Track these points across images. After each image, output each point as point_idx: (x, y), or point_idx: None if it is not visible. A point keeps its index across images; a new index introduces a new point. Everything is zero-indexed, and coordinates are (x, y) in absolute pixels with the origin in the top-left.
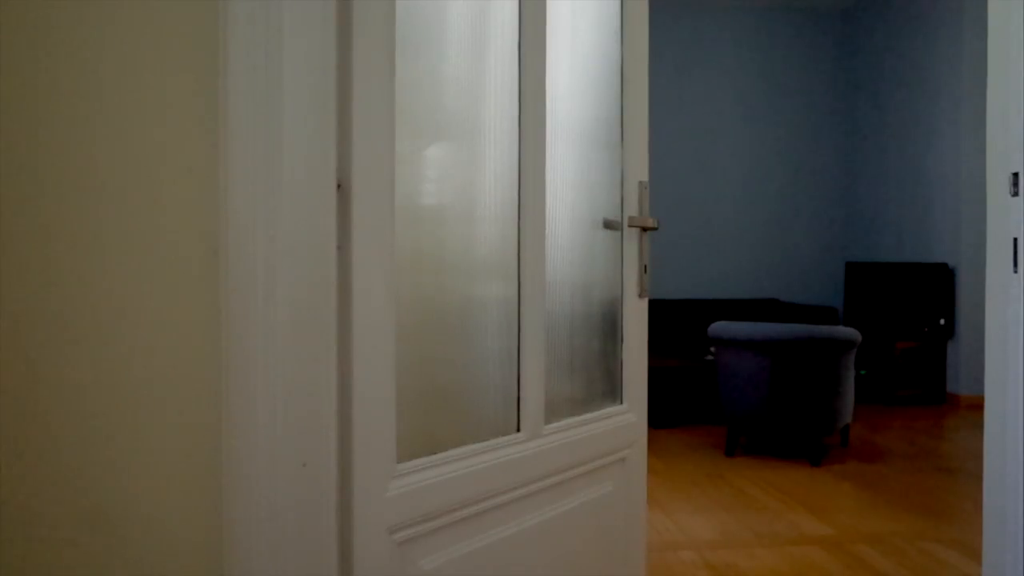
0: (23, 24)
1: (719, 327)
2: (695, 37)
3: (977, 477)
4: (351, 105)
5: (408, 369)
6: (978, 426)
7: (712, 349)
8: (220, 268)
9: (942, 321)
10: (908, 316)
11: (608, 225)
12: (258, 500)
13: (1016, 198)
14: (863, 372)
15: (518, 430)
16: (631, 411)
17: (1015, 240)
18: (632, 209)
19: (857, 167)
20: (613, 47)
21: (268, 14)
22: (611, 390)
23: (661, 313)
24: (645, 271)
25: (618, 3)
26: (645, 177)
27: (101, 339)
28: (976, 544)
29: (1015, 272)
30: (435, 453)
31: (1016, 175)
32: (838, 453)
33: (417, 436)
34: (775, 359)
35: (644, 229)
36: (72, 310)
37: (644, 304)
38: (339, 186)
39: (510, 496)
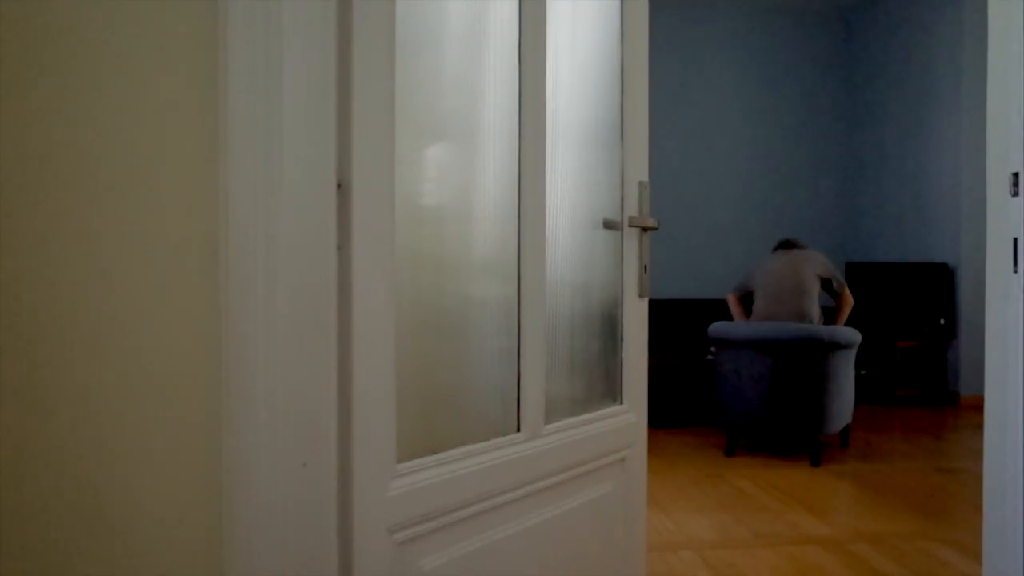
0: (23, 24)
1: (719, 327)
2: (695, 37)
3: (977, 477)
4: (351, 105)
5: (408, 369)
6: (978, 426)
7: (712, 349)
8: (220, 268)
9: (942, 321)
10: (908, 316)
11: (608, 225)
12: (258, 500)
13: (1016, 198)
14: (863, 372)
15: (518, 430)
16: (631, 411)
17: (1015, 240)
18: (632, 209)
19: (857, 167)
20: (613, 47)
21: (268, 14)
22: (611, 390)
23: (661, 313)
24: (645, 271)
25: (618, 3)
26: (645, 177)
27: (101, 339)
28: (976, 544)
29: (1015, 272)
30: (435, 453)
31: (1016, 175)
32: (838, 453)
33: (417, 436)
34: (775, 359)
35: (644, 229)
36: (72, 310)
37: (644, 304)
38: (339, 186)
39: (510, 496)
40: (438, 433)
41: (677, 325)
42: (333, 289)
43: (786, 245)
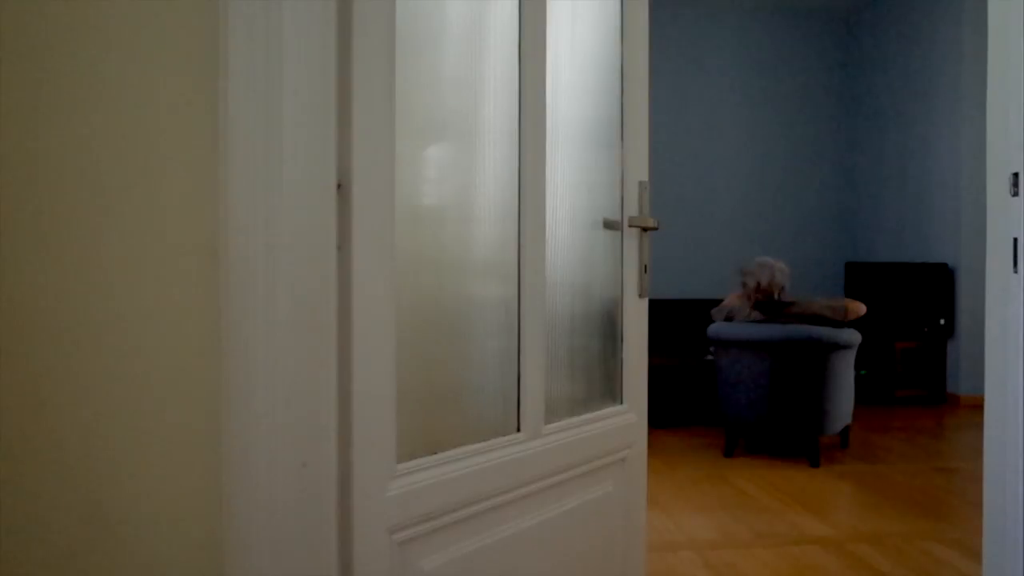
0: (23, 24)
1: (718, 327)
2: (696, 37)
3: (977, 477)
4: (351, 105)
5: (408, 369)
6: (978, 426)
7: (712, 349)
8: (220, 268)
9: (942, 321)
10: (908, 316)
11: (608, 225)
12: (258, 500)
13: (1016, 198)
14: (863, 372)
15: (518, 430)
16: (631, 411)
17: (1015, 240)
18: (632, 209)
19: (857, 167)
20: (613, 47)
21: (268, 14)
22: (611, 390)
23: (661, 313)
24: (645, 271)
25: (618, 3)
26: (645, 177)
27: (101, 339)
28: (976, 544)
29: (1015, 272)
30: (435, 453)
31: (1016, 175)
32: (838, 453)
33: (417, 436)
34: (774, 360)
35: (644, 229)
36: (72, 310)
37: (644, 304)
38: (339, 186)
39: (510, 496)
40: (438, 433)
41: (677, 325)
42: (333, 289)
43: (770, 308)
